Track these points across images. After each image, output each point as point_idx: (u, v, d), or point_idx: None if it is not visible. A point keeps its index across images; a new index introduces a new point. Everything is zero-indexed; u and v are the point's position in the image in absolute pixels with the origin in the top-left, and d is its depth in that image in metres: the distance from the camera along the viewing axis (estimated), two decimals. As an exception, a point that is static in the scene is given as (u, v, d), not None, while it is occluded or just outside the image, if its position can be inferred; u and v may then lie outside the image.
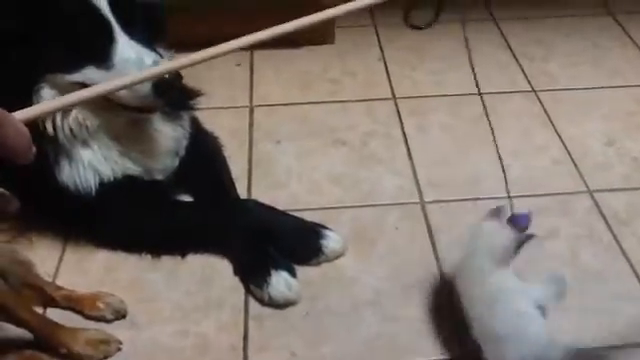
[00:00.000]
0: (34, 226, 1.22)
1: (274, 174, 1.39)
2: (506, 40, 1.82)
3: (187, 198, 1.30)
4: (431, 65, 1.71)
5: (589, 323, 1.09)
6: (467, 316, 0.98)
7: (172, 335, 1.08)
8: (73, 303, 1.10)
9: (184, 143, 1.29)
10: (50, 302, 1.10)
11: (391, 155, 1.44)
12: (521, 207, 1.06)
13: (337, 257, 1.19)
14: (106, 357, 1.03)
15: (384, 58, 1.75)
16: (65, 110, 1.09)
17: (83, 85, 1.08)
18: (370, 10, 1.87)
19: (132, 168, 1.20)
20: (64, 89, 1.08)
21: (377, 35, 1.84)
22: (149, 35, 1.12)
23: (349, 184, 1.36)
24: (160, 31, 1.19)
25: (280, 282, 1.11)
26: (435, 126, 1.52)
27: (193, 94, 1.34)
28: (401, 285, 1.15)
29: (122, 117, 1.15)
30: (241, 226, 1.20)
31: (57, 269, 1.19)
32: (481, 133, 1.49)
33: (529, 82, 1.66)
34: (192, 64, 0.61)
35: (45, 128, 1.09)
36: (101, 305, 1.09)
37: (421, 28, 0.79)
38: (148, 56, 1.06)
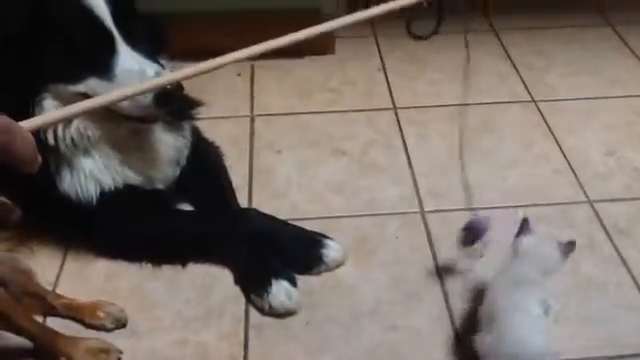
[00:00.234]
0: (35, 235, 1.22)
1: (275, 183, 1.39)
2: (506, 50, 1.83)
3: (188, 207, 1.30)
4: (431, 75, 1.71)
5: (590, 333, 1.08)
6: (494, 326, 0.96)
7: (172, 344, 1.08)
8: (73, 312, 1.10)
9: (185, 152, 1.29)
10: (50, 311, 1.10)
11: (391, 165, 1.44)
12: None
13: (338, 266, 1.19)
14: (106, 366, 1.03)
15: (384, 68, 1.76)
16: (67, 120, 1.09)
17: (85, 95, 1.08)
18: (370, 21, 1.88)
19: (133, 177, 1.20)
20: (66, 99, 1.08)
21: (377, 45, 1.85)
22: (151, 46, 1.13)
23: (349, 193, 1.37)
24: (163, 42, 1.20)
25: (280, 291, 1.11)
26: (435, 136, 1.52)
27: (194, 104, 1.34)
28: (402, 294, 1.15)
29: (123, 127, 1.15)
30: (242, 235, 1.20)
31: (58, 278, 1.19)
32: (481, 143, 1.50)
33: (529, 92, 1.66)
34: (193, 75, 0.62)
35: (46, 138, 1.10)
36: (101, 314, 1.09)
37: (423, 38, 0.79)
38: (150, 67, 1.07)
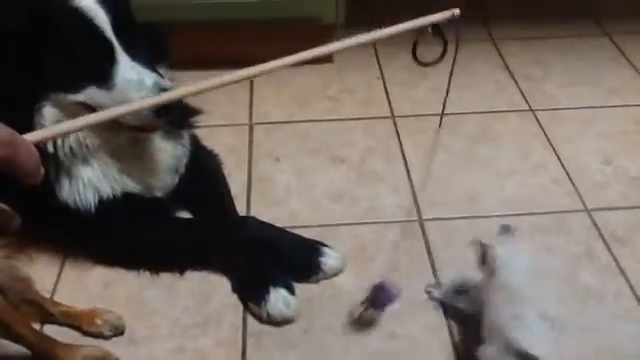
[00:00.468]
0: (33, 242, 1.22)
1: (273, 191, 1.40)
2: (504, 60, 1.84)
3: (186, 215, 1.30)
4: (430, 84, 1.72)
5: (588, 342, 1.08)
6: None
7: (170, 352, 1.08)
8: (71, 319, 1.10)
9: (184, 161, 1.29)
10: (48, 318, 1.10)
11: (390, 173, 1.44)
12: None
13: (336, 274, 1.19)
14: (104, 373, 1.03)
15: (383, 77, 1.77)
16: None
17: (84, 104, 1.09)
18: (368, 30, 1.89)
19: (132, 185, 1.20)
20: (66, 108, 1.09)
21: (376, 54, 1.86)
22: (151, 56, 1.13)
23: (348, 201, 1.37)
24: (163, 52, 1.21)
25: (279, 299, 1.11)
26: (434, 144, 1.52)
27: (193, 112, 1.34)
28: (400, 302, 1.15)
29: (122, 136, 1.16)
30: (240, 243, 1.20)
31: (55, 285, 1.19)
32: (479, 152, 1.51)
33: (527, 101, 1.67)
34: (195, 93, 0.63)
35: (45, 146, 1.10)
36: (99, 321, 1.09)
37: (430, 65, 0.81)
38: (149, 77, 1.07)
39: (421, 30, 0.74)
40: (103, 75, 1.07)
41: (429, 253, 1.25)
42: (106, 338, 1.09)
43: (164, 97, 0.75)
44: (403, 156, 1.49)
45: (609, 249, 1.25)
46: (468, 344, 1.03)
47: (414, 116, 1.62)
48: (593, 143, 1.53)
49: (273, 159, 1.49)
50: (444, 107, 0.90)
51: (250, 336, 1.10)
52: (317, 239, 1.23)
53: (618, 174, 1.44)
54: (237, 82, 0.62)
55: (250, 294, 1.14)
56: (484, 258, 1.02)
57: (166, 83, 1.09)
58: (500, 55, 1.86)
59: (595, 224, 1.31)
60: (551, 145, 1.52)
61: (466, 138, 1.55)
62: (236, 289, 1.17)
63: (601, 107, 1.65)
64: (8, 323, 0.96)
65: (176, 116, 1.18)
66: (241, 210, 1.33)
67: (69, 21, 1.05)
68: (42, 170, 0.54)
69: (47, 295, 1.14)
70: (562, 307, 1.14)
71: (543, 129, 1.57)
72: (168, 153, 1.25)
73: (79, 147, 1.13)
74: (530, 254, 1.01)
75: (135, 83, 1.06)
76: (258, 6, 1.63)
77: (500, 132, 1.57)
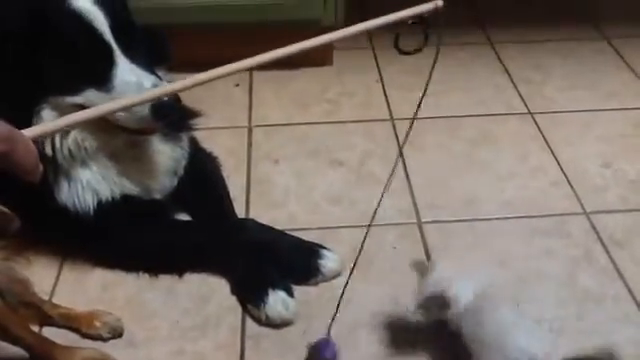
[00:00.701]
0: (31, 244, 1.22)
1: (272, 194, 1.40)
2: (503, 64, 1.84)
3: (185, 217, 1.30)
4: (429, 87, 1.72)
5: (586, 345, 1.08)
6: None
7: (169, 354, 1.07)
8: (70, 321, 1.10)
9: (183, 163, 1.29)
10: (47, 320, 1.10)
11: (389, 175, 1.44)
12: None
13: (335, 276, 1.19)
14: (102, 376, 1.03)
15: (382, 80, 1.77)
16: (64, 131, 1.09)
17: (83, 107, 1.08)
18: (368, 33, 1.89)
19: (130, 188, 1.20)
20: (64, 111, 1.09)
21: (375, 57, 1.86)
22: (150, 58, 1.14)
23: (347, 204, 1.37)
24: (163, 55, 1.21)
25: (277, 302, 1.11)
26: (432, 147, 1.53)
27: (192, 114, 1.35)
28: (398, 305, 1.15)
29: (121, 138, 1.16)
30: (239, 245, 1.20)
31: (54, 287, 1.19)
32: (478, 154, 1.51)
33: (526, 105, 1.67)
34: (191, 86, 0.63)
35: (44, 148, 1.10)
36: (98, 324, 1.09)
37: (410, 53, 0.80)
38: (147, 79, 1.07)
39: (404, 22, 0.74)
40: (102, 77, 1.07)
41: (428, 256, 1.25)
42: (105, 340, 1.09)
43: (160, 90, 0.75)
44: (402, 159, 1.49)
45: (608, 252, 1.25)
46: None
47: (413, 119, 1.62)
48: (592, 146, 1.53)
49: (272, 161, 1.49)
50: (419, 105, 0.90)
51: (249, 338, 1.10)
52: (316, 242, 1.23)
53: (617, 177, 1.44)
54: (233, 74, 0.62)
55: (249, 296, 1.14)
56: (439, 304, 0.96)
57: (164, 85, 1.09)
58: (499, 59, 1.86)
59: (594, 227, 1.31)
60: (550, 148, 1.52)
61: (465, 141, 1.55)
62: (235, 291, 1.17)
63: (600, 110, 1.66)
64: (6, 325, 0.96)
65: (175, 118, 1.18)
66: (240, 212, 1.33)
67: (68, 23, 1.05)
68: (41, 167, 0.54)
69: (46, 297, 1.14)
70: (561, 310, 1.14)
71: (542, 132, 1.58)
72: (167, 155, 1.25)
73: (78, 149, 1.13)
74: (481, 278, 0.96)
75: (134, 85, 1.06)
76: (257, 9, 1.63)
77: (499, 135, 1.57)
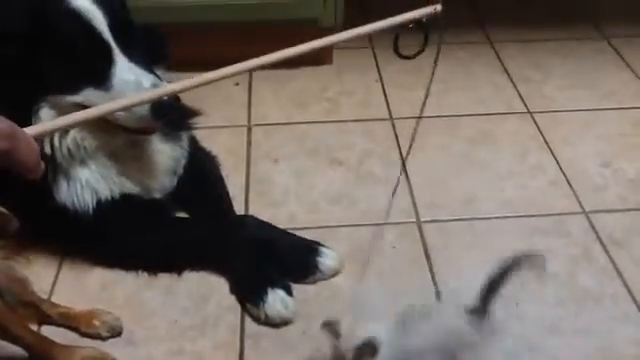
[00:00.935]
0: (31, 244, 1.22)
1: (271, 193, 1.40)
2: (502, 63, 1.84)
3: (185, 217, 1.30)
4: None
5: (585, 344, 1.08)
6: None
7: (168, 353, 1.07)
8: (69, 320, 1.10)
9: (182, 162, 1.29)
10: (46, 319, 1.10)
11: (388, 175, 1.45)
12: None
13: (334, 274, 1.19)
14: (101, 375, 1.03)
15: (381, 79, 1.77)
16: (63, 130, 1.09)
17: (81, 106, 1.09)
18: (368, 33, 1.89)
19: (130, 187, 1.20)
20: (63, 109, 1.09)
21: (375, 57, 1.86)
22: (149, 58, 1.13)
23: (346, 203, 1.37)
24: (162, 54, 1.21)
25: (277, 301, 1.11)
26: (432, 146, 1.53)
27: (192, 113, 1.35)
28: (398, 305, 1.14)
29: (120, 138, 1.16)
30: (238, 243, 1.20)
31: (53, 286, 1.19)
32: (478, 154, 1.51)
33: (525, 104, 1.67)
34: (191, 87, 0.63)
35: (43, 147, 1.10)
36: (97, 323, 1.09)
37: (410, 58, 0.80)
38: (146, 78, 1.07)
39: (403, 25, 0.74)
40: (101, 76, 1.07)
41: (427, 255, 1.25)
42: (104, 339, 1.09)
43: (161, 90, 0.75)
44: (401, 158, 1.49)
45: (607, 251, 1.25)
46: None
47: (412, 118, 1.62)
48: (592, 146, 1.53)
49: (271, 160, 1.49)
50: (424, 104, 0.90)
51: (248, 338, 1.10)
52: (315, 240, 1.22)
53: (616, 176, 1.44)
54: (234, 76, 0.62)
55: (248, 295, 1.14)
56: None
57: (164, 85, 1.09)
58: (499, 58, 1.86)
59: (593, 226, 1.31)
60: (549, 148, 1.52)
61: (465, 140, 1.55)
62: (234, 290, 1.17)
63: (600, 110, 1.66)
64: (6, 325, 0.96)
65: (174, 118, 1.18)
66: (239, 211, 1.33)
67: (67, 22, 1.05)
68: (42, 165, 0.54)
69: (45, 296, 1.14)
70: (560, 309, 1.14)
71: (542, 132, 1.58)
72: (166, 155, 1.25)
73: (77, 148, 1.13)
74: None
75: (133, 84, 1.06)
76: (256, 8, 1.63)
77: (499, 134, 1.57)
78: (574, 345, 1.08)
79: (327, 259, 1.19)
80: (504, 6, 2.06)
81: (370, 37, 1.92)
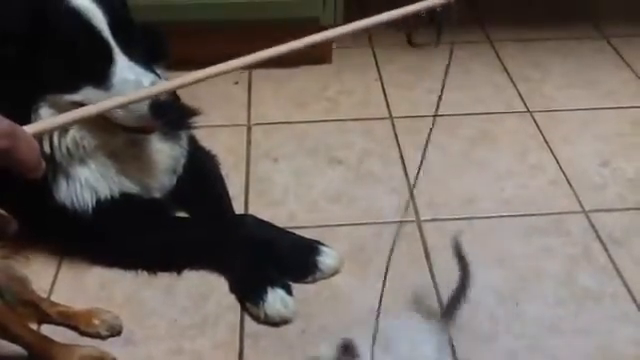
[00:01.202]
0: (30, 243, 1.22)
1: (271, 192, 1.40)
2: (502, 62, 1.84)
3: (185, 216, 1.30)
4: (428, 85, 1.72)
5: (585, 344, 1.08)
6: None
7: (167, 352, 1.07)
8: (68, 319, 1.10)
9: (182, 161, 1.29)
10: (45, 318, 1.10)
11: (388, 174, 1.45)
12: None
13: (333, 273, 1.19)
14: (101, 374, 1.03)
15: (381, 78, 1.77)
16: (63, 129, 1.09)
17: (81, 105, 1.08)
18: (368, 32, 1.89)
19: (130, 186, 1.20)
20: (63, 108, 1.08)
21: (374, 56, 1.86)
22: (149, 57, 1.13)
23: (346, 202, 1.37)
24: (162, 53, 1.21)
25: (276, 300, 1.11)
26: (431, 146, 1.51)
27: (191, 113, 1.35)
28: (397, 304, 1.15)
29: (120, 137, 1.16)
30: (238, 242, 1.20)
31: (52, 285, 1.19)
32: (477, 153, 1.51)
33: (525, 103, 1.67)
34: (189, 84, 0.62)
35: (42, 147, 1.10)
36: (96, 321, 1.09)
37: (427, 45, 0.79)
38: (146, 77, 1.07)
39: (417, 15, 0.73)
40: (100, 75, 1.07)
41: (427, 254, 1.25)
42: (103, 338, 1.09)
43: (159, 87, 0.75)
44: (401, 157, 1.49)
45: (606, 250, 1.26)
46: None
47: (412, 117, 1.62)
48: (591, 145, 1.53)
49: (271, 160, 1.49)
50: (438, 105, 0.89)
51: (248, 337, 1.10)
52: (315, 240, 1.22)
53: (615, 176, 1.44)
54: (233, 71, 0.62)
55: (248, 294, 1.14)
56: None
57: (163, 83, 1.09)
58: (498, 57, 1.86)
59: (592, 226, 1.31)
60: (549, 147, 1.52)
61: (464, 140, 1.55)
62: (234, 289, 1.17)
63: (599, 109, 1.66)
64: (5, 324, 0.96)
65: (174, 117, 1.18)
66: (239, 211, 1.33)
67: (66, 21, 1.05)
68: (43, 164, 0.53)
69: (44, 295, 1.14)
70: (559, 308, 1.15)
71: (541, 131, 1.58)
72: (166, 154, 1.25)
73: (76, 148, 1.13)
74: None
75: (132, 83, 1.06)
76: (257, 7, 1.63)
77: (498, 134, 1.57)
78: (574, 345, 1.08)
79: (327, 258, 1.19)
80: (504, 5, 2.06)
81: (370, 36, 1.92)
